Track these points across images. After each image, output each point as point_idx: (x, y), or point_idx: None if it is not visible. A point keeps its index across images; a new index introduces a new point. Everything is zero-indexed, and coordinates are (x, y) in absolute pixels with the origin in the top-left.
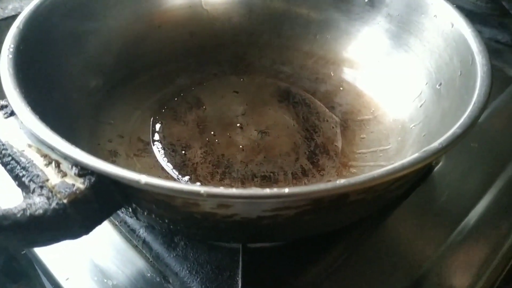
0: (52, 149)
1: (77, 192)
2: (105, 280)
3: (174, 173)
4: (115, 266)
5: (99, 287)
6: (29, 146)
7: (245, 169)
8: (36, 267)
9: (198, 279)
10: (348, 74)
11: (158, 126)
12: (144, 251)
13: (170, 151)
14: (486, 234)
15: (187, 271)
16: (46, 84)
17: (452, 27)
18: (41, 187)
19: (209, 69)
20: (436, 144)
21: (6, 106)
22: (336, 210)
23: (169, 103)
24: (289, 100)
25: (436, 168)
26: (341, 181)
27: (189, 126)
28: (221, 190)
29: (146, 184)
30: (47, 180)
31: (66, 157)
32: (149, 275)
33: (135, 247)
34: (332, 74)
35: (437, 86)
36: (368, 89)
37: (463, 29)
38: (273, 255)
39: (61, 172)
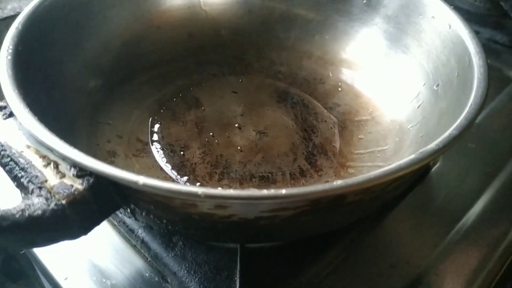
0: (51, 150)
1: (76, 193)
2: (104, 280)
3: (173, 174)
4: (114, 266)
5: (97, 287)
6: (28, 147)
7: (243, 169)
8: (35, 267)
9: (196, 279)
10: (346, 75)
11: (157, 126)
12: (142, 251)
13: (169, 151)
14: (484, 234)
15: (186, 271)
16: (45, 85)
17: (450, 28)
18: (40, 188)
19: (207, 70)
20: (432, 145)
21: (5, 107)
22: (334, 210)
23: (168, 103)
24: (287, 101)
25: (433, 169)
26: (338, 182)
27: (188, 126)
28: (218, 191)
29: (144, 185)
30: (46, 181)
31: (65, 158)
32: (147, 275)
33: (133, 247)
34: (331, 75)
35: (434, 87)
36: (366, 90)
37: (461, 30)
38: (271, 255)
39: (60, 173)
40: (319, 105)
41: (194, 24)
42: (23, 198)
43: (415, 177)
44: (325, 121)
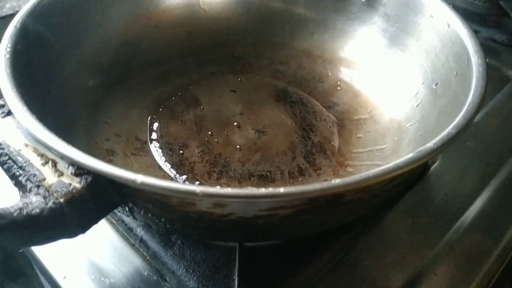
0: (49, 148)
1: (74, 191)
2: (102, 279)
3: (172, 172)
4: (112, 264)
5: (96, 286)
6: (26, 145)
7: (242, 168)
8: (34, 265)
9: (195, 277)
10: (345, 74)
11: (155, 125)
12: (141, 250)
13: (168, 150)
14: (482, 233)
15: (184, 270)
16: (43, 84)
17: (449, 27)
18: (38, 187)
19: (206, 69)
20: (430, 144)
21: (3, 106)
22: (332, 209)
23: (166, 102)
24: (286, 100)
25: (432, 167)
26: (336, 181)
27: (187, 125)
28: (216, 189)
29: (142, 184)
30: (44, 179)
31: (63, 157)
32: (146, 273)
33: (132, 245)
34: (329, 74)
35: (433, 86)
36: (365, 89)
37: (459, 29)
38: (270, 254)
39: (58, 172)
40: (318, 104)
41: (193, 23)
42: (21, 196)
43: (414, 176)
44: (324, 120)
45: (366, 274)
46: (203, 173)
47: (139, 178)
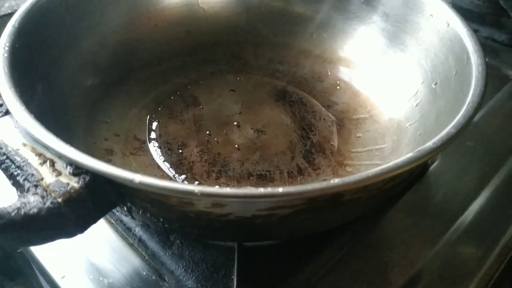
0: (47, 148)
1: (72, 191)
2: (101, 279)
3: (170, 172)
4: (111, 264)
5: (95, 285)
6: (24, 145)
7: (241, 167)
8: (32, 265)
9: (194, 277)
10: (345, 73)
11: (154, 124)
12: (140, 250)
13: (166, 149)
14: (482, 232)
15: (183, 270)
16: (41, 83)
17: (448, 26)
18: (36, 186)
19: (205, 68)
20: (430, 143)
21: (1, 105)
22: (331, 209)
23: (165, 101)
24: (285, 99)
25: (432, 167)
26: (335, 181)
27: (186, 124)
28: (215, 189)
29: (140, 183)
30: (42, 179)
31: (61, 156)
32: (144, 273)
33: (131, 245)
34: (329, 73)
35: (432, 86)
36: (364, 88)
37: (459, 29)
38: (269, 254)
39: (56, 171)
40: (317, 103)
41: (192, 22)
42: (19, 196)
43: (413, 175)
44: (323, 119)
45: (365, 273)
46: (202, 173)
47: (137, 177)
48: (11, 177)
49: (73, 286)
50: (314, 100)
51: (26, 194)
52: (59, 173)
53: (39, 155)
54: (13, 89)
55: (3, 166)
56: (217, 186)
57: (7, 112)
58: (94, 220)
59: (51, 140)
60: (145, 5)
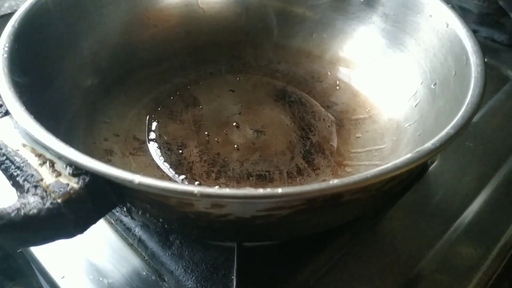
0: (47, 148)
1: (71, 191)
2: (101, 279)
3: (170, 172)
4: (111, 264)
5: (94, 286)
6: (24, 145)
7: (241, 168)
8: (32, 265)
9: (193, 277)
10: (344, 73)
11: (154, 124)
12: (139, 250)
13: (166, 150)
14: (481, 233)
15: (182, 270)
16: (41, 83)
17: (447, 27)
18: (36, 187)
19: (205, 68)
20: (429, 144)
21: (0, 106)
22: (331, 209)
23: (165, 101)
24: (285, 99)
25: (431, 167)
26: (335, 181)
27: (185, 125)
28: (214, 190)
29: (140, 184)
30: (42, 179)
31: (60, 157)
32: (144, 273)
33: (130, 245)
34: (328, 73)
35: (432, 86)
36: (363, 89)
37: (458, 29)
38: (268, 254)
39: (56, 172)
40: (317, 103)
41: (191, 22)
42: (19, 197)
43: (413, 176)
44: (323, 119)
45: (364, 274)
46: (201, 173)
47: (137, 178)
48: (11, 177)
49: (73, 286)
50: (314, 100)
51: (26, 194)
52: (59, 174)
53: (39, 155)
54: (12, 89)
55: (3, 166)
56: (216, 187)
57: (6, 113)
58: (94, 221)
59: (50, 141)
60: (144, 5)
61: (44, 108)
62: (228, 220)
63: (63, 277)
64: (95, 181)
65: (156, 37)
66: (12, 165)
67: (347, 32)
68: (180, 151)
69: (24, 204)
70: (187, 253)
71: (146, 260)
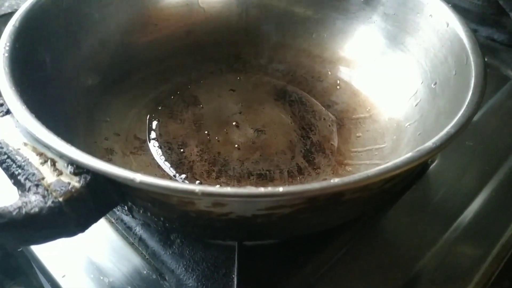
0: (48, 147)
1: (73, 190)
2: (102, 277)
3: (171, 171)
4: (112, 263)
5: (95, 284)
6: (25, 144)
7: (241, 167)
8: (33, 264)
9: (194, 276)
10: (344, 73)
11: (154, 124)
12: (140, 249)
13: (167, 149)
14: (481, 232)
15: (183, 269)
16: (42, 83)
17: (447, 26)
18: (37, 186)
19: (205, 68)
20: (429, 143)
21: (1, 105)
22: (331, 208)
23: (165, 101)
24: (285, 99)
25: (431, 166)
26: (336, 180)
27: (186, 124)
28: (216, 189)
29: (141, 183)
30: (43, 178)
31: (62, 156)
32: (145, 272)
33: (131, 244)
34: (329, 73)
35: (432, 85)
36: (364, 88)
37: (458, 29)
38: (269, 253)
39: (57, 171)
40: (317, 103)
41: (192, 22)
42: (20, 195)
43: (413, 175)
44: (323, 119)
45: (365, 273)
46: (202, 172)
47: (138, 177)
48: (12, 176)
49: (74, 285)
50: (314, 100)
51: (27, 193)
52: (60, 173)
53: (40, 154)
54: (13, 88)
55: (4, 165)
56: (217, 186)
57: (8, 112)
58: (95, 220)
59: (52, 140)
60: (145, 5)
61: (45, 107)
62: (229, 219)
63: (63, 276)
64: (96, 180)
65: (156, 37)
66: (14, 164)
67: (347, 31)
68: (182, 150)
69: (26, 202)
70: (187, 252)
71: (147, 259)
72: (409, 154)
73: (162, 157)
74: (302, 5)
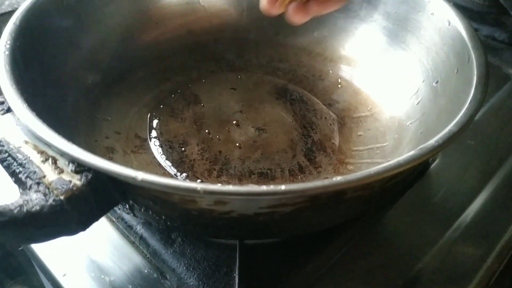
0: (49, 145)
1: (74, 188)
2: (102, 276)
3: (172, 170)
4: (112, 262)
5: (96, 283)
6: (26, 142)
7: (242, 166)
8: (33, 263)
9: (195, 275)
10: (346, 72)
11: (155, 122)
12: (141, 248)
13: (167, 147)
14: (482, 231)
15: (184, 268)
16: (43, 81)
17: (449, 24)
18: (38, 184)
19: (206, 66)
20: (432, 141)
21: (2, 103)
22: (333, 207)
23: (166, 99)
24: (286, 97)
25: (432, 165)
26: (338, 178)
27: (187, 123)
28: (218, 187)
29: (143, 181)
30: (44, 176)
31: (63, 154)
32: (146, 271)
33: (132, 243)
34: (330, 71)
35: (433, 84)
36: (365, 87)
37: (460, 27)
38: (270, 252)
39: (58, 169)
40: (318, 101)
41: (192, 20)
42: (21, 193)
43: (414, 174)
44: (324, 118)
45: (365, 273)
46: (203, 171)
47: (140, 175)
48: (13, 174)
49: (75, 284)
50: (315, 98)
51: (28, 191)
52: (61, 171)
53: (41, 152)
54: (14, 86)
55: (5, 163)
56: (218, 184)
57: (8, 110)
58: (96, 218)
59: (53, 138)
60: (146, 4)
61: (45, 105)
62: (231, 217)
63: (64, 274)
64: (97, 178)
65: (157, 35)
66: (15, 162)
67: (348, 30)
68: (182, 149)
69: (27, 201)
70: (189, 250)
71: (148, 257)
72: (411, 152)
73: (163, 156)
74: None
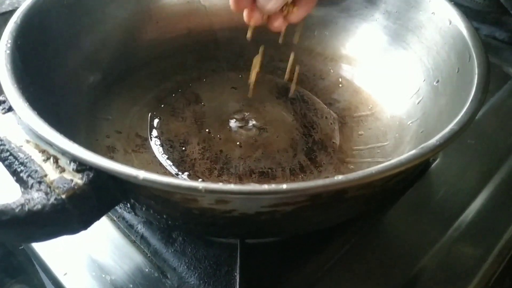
0: (50, 144)
1: (75, 187)
2: (103, 275)
3: (173, 169)
4: (113, 261)
5: (97, 282)
6: (27, 141)
7: (243, 165)
8: (34, 262)
9: (196, 274)
10: (346, 71)
11: (156, 122)
12: (142, 247)
13: (168, 147)
14: (483, 230)
15: (185, 267)
16: (44, 80)
17: (450, 24)
18: (40, 183)
19: (207, 65)
20: (433, 140)
21: (4, 102)
22: (334, 206)
23: (167, 99)
24: (287, 97)
25: (433, 165)
26: (339, 177)
27: (187, 122)
28: (219, 186)
29: (144, 180)
30: (46, 175)
31: (64, 153)
32: (147, 270)
33: (133, 242)
34: (331, 71)
35: (434, 83)
36: (366, 86)
37: (461, 26)
38: (271, 251)
39: (59, 168)
40: (319, 101)
41: (193, 20)
42: (23, 192)
43: (415, 173)
44: (325, 117)
45: (365, 272)
46: (204, 170)
47: (142, 174)
48: (15, 173)
49: (75, 283)
50: (316, 98)
51: (29, 190)
52: (63, 170)
53: (43, 151)
54: (15, 85)
55: (6, 162)
56: (220, 183)
57: (10, 109)
58: (98, 217)
59: (54, 137)
60: (146, 3)
61: (46, 104)
62: (232, 216)
63: (65, 273)
64: (99, 177)
65: (158, 35)
66: (16, 161)
67: (349, 29)
68: (183, 148)
69: (28, 199)
70: (189, 250)
71: (149, 257)
72: (413, 151)
73: (164, 155)
74: None
